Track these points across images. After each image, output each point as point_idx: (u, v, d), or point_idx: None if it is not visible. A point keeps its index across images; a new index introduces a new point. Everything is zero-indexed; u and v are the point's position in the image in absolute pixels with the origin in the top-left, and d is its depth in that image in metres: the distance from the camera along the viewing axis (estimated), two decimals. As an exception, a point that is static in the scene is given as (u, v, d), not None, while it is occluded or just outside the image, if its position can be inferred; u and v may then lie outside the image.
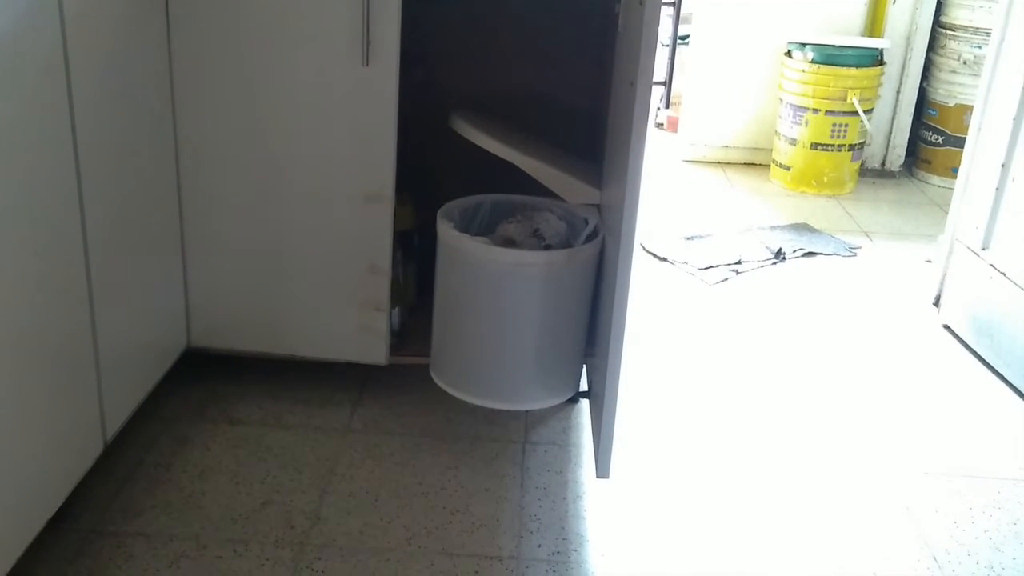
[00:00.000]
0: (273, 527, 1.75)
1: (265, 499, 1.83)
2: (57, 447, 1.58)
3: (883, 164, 4.29)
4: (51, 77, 1.48)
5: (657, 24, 1.53)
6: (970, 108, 2.84)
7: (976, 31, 3.92)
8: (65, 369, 1.59)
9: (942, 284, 2.79)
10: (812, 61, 3.85)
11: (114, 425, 1.78)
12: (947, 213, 2.80)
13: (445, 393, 2.01)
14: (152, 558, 1.66)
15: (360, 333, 2.07)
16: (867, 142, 4.09)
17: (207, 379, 2.18)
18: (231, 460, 1.94)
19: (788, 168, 4.01)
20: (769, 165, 4.17)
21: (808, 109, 3.90)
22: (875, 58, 3.91)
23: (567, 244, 1.96)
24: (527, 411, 2.16)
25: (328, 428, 2.07)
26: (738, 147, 4.28)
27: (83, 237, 1.60)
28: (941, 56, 4.08)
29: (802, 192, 3.97)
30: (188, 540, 1.70)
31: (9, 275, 1.40)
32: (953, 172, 3.18)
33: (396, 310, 2.13)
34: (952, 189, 2.79)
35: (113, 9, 1.68)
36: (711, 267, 3.10)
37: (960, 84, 4.01)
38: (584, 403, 2.21)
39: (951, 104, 4.06)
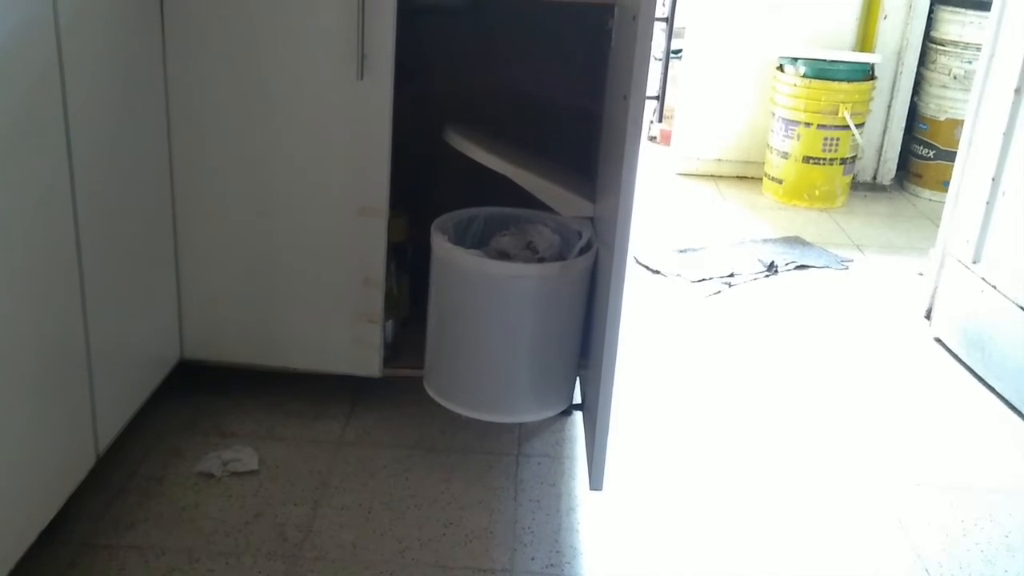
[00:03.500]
0: (265, 540, 1.75)
1: (257, 512, 1.82)
2: (49, 459, 1.58)
3: (874, 178, 4.31)
4: (46, 86, 1.48)
5: (650, 39, 1.53)
6: (961, 122, 2.86)
7: (966, 46, 3.95)
8: (58, 381, 1.59)
9: (933, 297, 2.80)
10: (804, 75, 3.87)
11: (107, 437, 1.77)
12: (938, 226, 2.81)
13: (438, 405, 2.01)
14: (144, 571, 1.65)
15: (354, 345, 2.07)
16: (859, 156, 4.11)
17: (200, 391, 2.18)
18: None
19: (780, 181, 4.03)
20: (761, 178, 4.18)
21: (800, 123, 3.92)
22: (866, 73, 3.93)
23: (561, 257, 1.97)
24: (520, 423, 2.16)
25: (321, 440, 2.07)
26: (730, 160, 4.30)
27: (77, 248, 1.60)
28: (932, 71, 4.11)
29: (794, 205, 3.99)
30: (180, 553, 1.70)
31: (2, 286, 1.40)
32: (944, 186, 3.19)
33: (390, 322, 2.13)
34: (943, 203, 2.80)
35: (108, 21, 1.68)
36: (704, 280, 3.11)
37: (951, 99, 4.04)
38: (577, 415, 2.21)
39: (942, 118, 4.09)
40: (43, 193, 1.50)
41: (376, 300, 2.04)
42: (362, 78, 1.86)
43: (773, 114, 4.05)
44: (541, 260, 1.94)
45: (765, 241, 3.51)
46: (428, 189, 2.28)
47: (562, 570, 1.73)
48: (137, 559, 1.68)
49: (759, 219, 3.80)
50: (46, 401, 1.55)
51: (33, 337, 1.49)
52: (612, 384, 1.71)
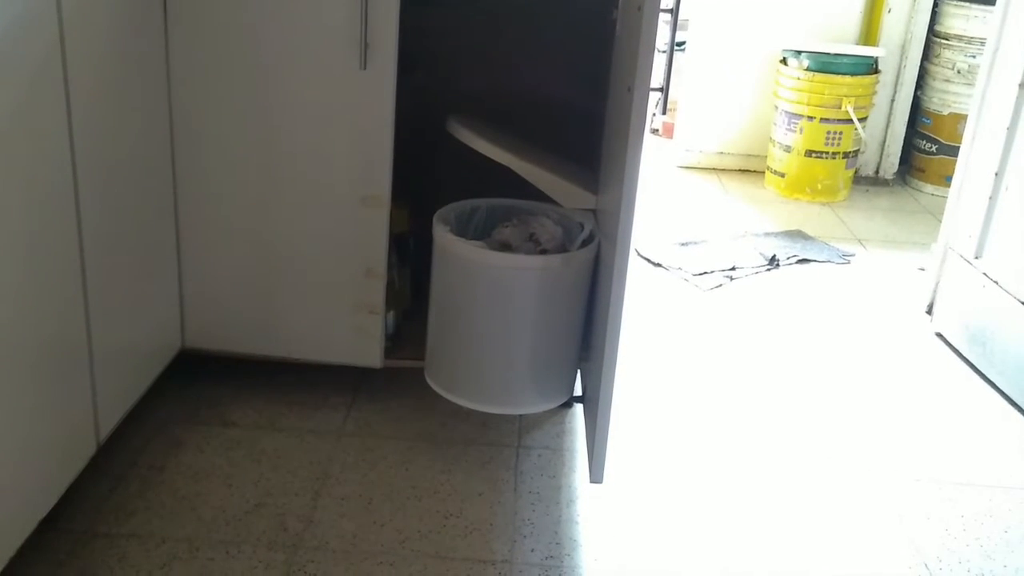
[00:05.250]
0: (266, 530, 1.75)
1: (258, 501, 1.83)
2: (50, 448, 1.58)
3: (877, 172, 4.30)
4: (48, 76, 1.48)
5: (655, 30, 1.53)
6: (964, 117, 2.85)
7: (970, 40, 3.93)
8: (59, 369, 1.59)
9: (935, 292, 2.80)
10: (807, 68, 3.86)
11: (107, 426, 1.77)
12: (940, 221, 2.81)
13: (439, 397, 2.01)
14: (144, 560, 1.65)
15: (355, 336, 2.07)
16: (861, 150, 4.10)
17: (201, 381, 2.18)
18: (224, 462, 1.93)
19: (782, 175, 4.02)
20: (764, 172, 4.18)
21: (803, 116, 3.91)
22: (870, 66, 3.92)
23: (563, 249, 1.96)
24: (521, 415, 2.16)
25: (322, 431, 2.07)
26: (733, 153, 4.29)
27: (78, 236, 1.60)
28: (935, 65, 4.10)
29: (796, 199, 3.98)
30: (181, 542, 1.70)
31: (3, 275, 1.40)
32: (947, 180, 3.20)
33: (391, 313, 2.13)
34: (945, 197, 2.80)
35: (111, 10, 1.68)
36: (705, 273, 3.11)
37: (954, 93, 4.03)
38: (578, 408, 2.21)
39: (945, 113, 4.08)
40: (45, 181, 1.49)
41: (378, 291, 2.04)
42: (365, 68, 1.86)
43: (776, 107, 4.04)
44: (543, 252, 1.94)
45: (767, 235, 3.51)
46: (430, 180, 2.27)
47: (561, 562, 1.74)
48: (137, 548, 1.68)
49: (761, 212, 3.79)
50: (47, 389, 1.55)
51: (34, 325, 1.49)
52: (613, 377, 1.71)
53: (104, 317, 1.70)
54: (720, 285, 3.03)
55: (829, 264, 3.26)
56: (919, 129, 4.21)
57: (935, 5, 4.07)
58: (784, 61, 3.99)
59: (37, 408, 1.52)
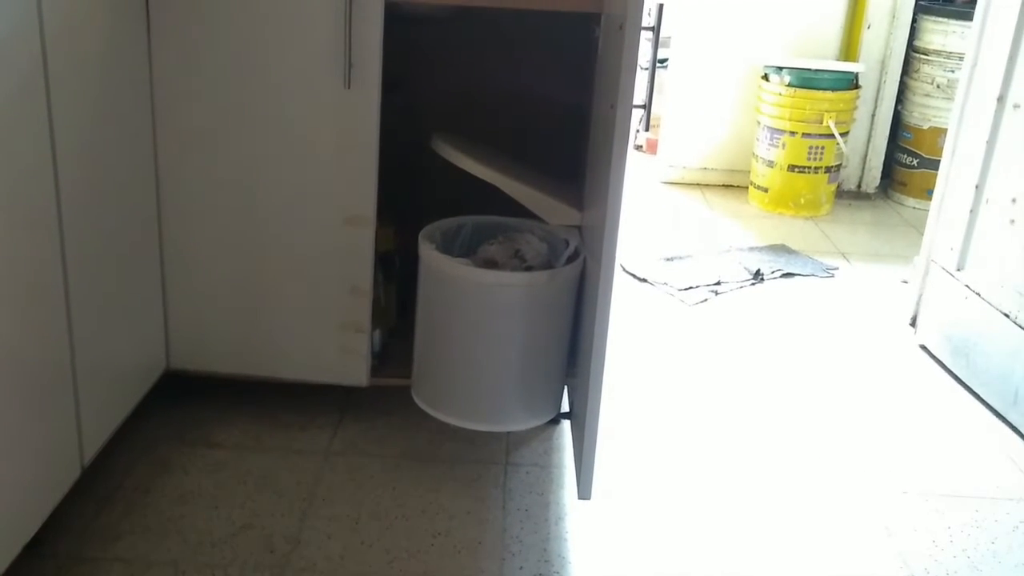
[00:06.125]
0: (252, 551, 1.74)
1: (244, 523, 1.81)
2: (34, 471, 1.56)
3: (859, 186, 4.33)
4: (30, 94, 1.47)
5: (637, 48, 1.54)
6: (944, 131, 2.88)
7: (949, 55, 3.98)
8: (42, 391, 1.58)
9: (918, 305, 2.82)
10: (789, 84, 3.90)
11: (92, 448, 1.76)
12: (923, 234, 2.83)
13: (426, 415, 2.00)
14: (130, 583, 1.64)
15: (341, 355, 2.07)
16: (843, 164, 4.13)
17: (186, 402, 2.17)
18: (210, 484, 1.92)
19: (766, 190, 4.05)
20: (747, 187, 4.20)
21: (785, 132, 3.94)
22: (850, 82, 3.96)
23: (548, 265, 1.97)
24: (508, 432, 2.16)
25: (308, 451, 2.06)
26: (716, 169, 4.32)
27: (61, 256, 1.59)
28: (915, 80, 4.14)
29: (779, 214, 4.01)
30: (166, 565, 1.69)
31: (-13, 297, 1.39)
32: (928, 194, 3.22)
33: (377, 332, 2.13)
34: (927, 211, 2.82)
35: (94, 29, 1.68)
36: (690, 288, 3.12)
37: (934, 107, 4.07)
38: (565, 424, 2.21)
39: (925, 127, 4.12)
40: (28, 202, 1.49)
41: (364, 310, 2.03)
42: (349, 87, 1.86)
43: (758, 123, 4.07)
44: (529, 269, 1.95)
45: (751, 249, 3.52)
46: (416, 198, 2.27)
47: (551, 579, 1.73)
48: (123, 571, 1.66)
49: (745, 227, 3.81)
50: (30, 412, 1.54)
51: (17, 347, 1.48)
52: (600, 393, 1.71)
53: (88, 339, 1.69)
54: (705, 300, 3.05)
55: (813, 278, 3.28)
56: (900, 143, 4.25)
57: (914, 21, 4.12)
58: (766, 77, 4.02)
59: (21, 430, 1.51)
